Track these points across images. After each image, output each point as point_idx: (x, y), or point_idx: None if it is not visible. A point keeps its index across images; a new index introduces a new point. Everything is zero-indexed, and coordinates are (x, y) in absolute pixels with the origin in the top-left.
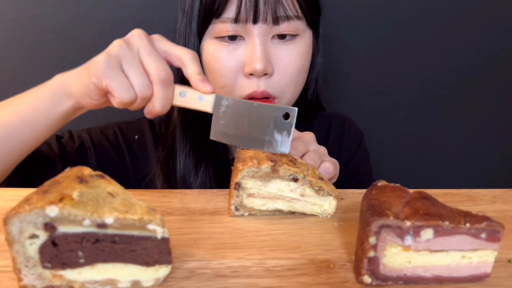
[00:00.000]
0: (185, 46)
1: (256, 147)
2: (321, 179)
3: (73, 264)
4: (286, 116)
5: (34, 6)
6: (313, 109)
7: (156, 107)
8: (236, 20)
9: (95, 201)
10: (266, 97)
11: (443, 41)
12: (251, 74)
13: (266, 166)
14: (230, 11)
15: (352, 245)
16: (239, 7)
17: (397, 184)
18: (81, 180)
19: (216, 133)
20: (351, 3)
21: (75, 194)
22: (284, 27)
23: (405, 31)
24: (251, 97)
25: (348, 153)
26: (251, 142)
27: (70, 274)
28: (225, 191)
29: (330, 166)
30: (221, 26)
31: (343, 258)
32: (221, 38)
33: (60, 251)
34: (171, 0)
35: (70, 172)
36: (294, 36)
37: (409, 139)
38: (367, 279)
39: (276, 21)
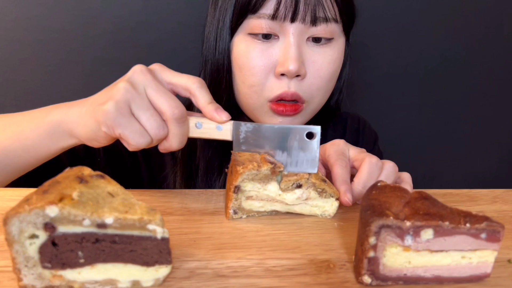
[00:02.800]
0: (216, 41)
1: (287, 170)
2: (324, 181)
3: (73, 264)
4: (309, 135)
5: (34, 6)
6: (331, 116)
7: (173, 145)
8: (274, 16)
9: (95, 201)
10: (295, 100)
11: (444, 41)
12: (283, 75)
13: (266, 168)
14: (269, 7)
15: (352, 245)
16: (278, 3)
17: (397, 184)
18: (81, 180)
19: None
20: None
21: (75, 194)
22: (320, 29)
23: (405, 31)
24: (280, 98)
25: None
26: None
27: (70, 274)
28: (225, 191)
29: (392, 165)
30: (257, 22)
31: (343, 258)
32: (254, 35)
33: (60, 251)
34: (171, 0)
35: (70, 172)
36: (329, 40)
37: (409, 139)
38: (367, 279)
39: (314, 21)
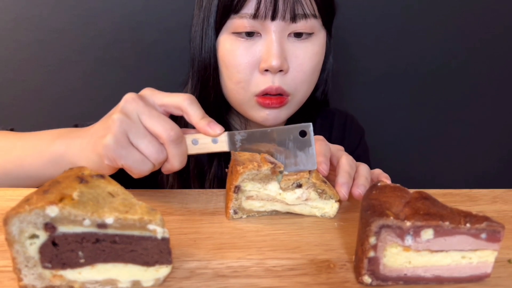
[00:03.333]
0: (202, 41)
1: (288, 170)
2: (324, 182)
3: (73, 264)
4: (302, 133)
5: (34, 6)
6: (318, 108)
7: (175, 165)
8: (255, 16)
9: (95, 201)
10: (280, 94)
11: (444, 41)
12: (266, 70)
13: (266, 168)
14: (250, 7)
15: (352, 245)
16: (258, 3)
17: (397, 184)
18: (81, 180)
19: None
20: (352, 2)
21: (75, 194)
22: (301, 25)
23: (405, 31)
24: (266, 93)
25: (349, 149)
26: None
27: (70, 274)
28: (225, 191)
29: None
30: (239, 22)
31: (343, 258)
32: (238, 33)
33: (60, 251)
34: (171, 0)
35: (70, 172)
36: (309, 34)
37: (409, 139)
38: (367, 279)
39: (294, 18)
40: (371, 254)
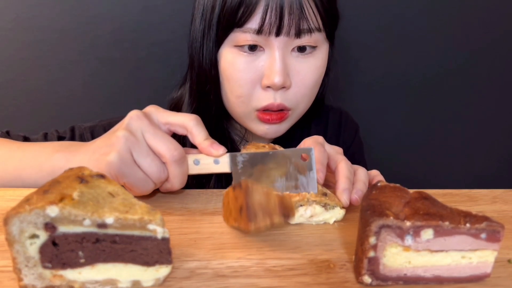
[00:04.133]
0: (201, 52)
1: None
2: (325, 194)
3: (74, 264)
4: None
5: (34, 6)
6: (316, 110)
7: (175, 185)
8: (259, 31)
9: (95, 201)
10: (281, 109)
11: (444, 41)
12: (269, 87)
13: (278, 221)
14: (254, 22)
15: (352, 245)
16: (263, 19)
17: (397, 184)
18: (82, 180)
19: None
20: (351, 2)
21: (75, 194)
22: (305, 40)
23: (405, 31)
24: (266, 109)
25: (345, 145)
26: (280, 188)
27: (71, 274)
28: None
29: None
30: (242, 36)
31: (343, 258)
32: (240, 47)
33: (61, 251)
34: (171, 0)
35: (70, 172)
36: (313, 48)
37: (409, 139)
38: (367, 279)
39: (298, 34)
40: (371, 254)
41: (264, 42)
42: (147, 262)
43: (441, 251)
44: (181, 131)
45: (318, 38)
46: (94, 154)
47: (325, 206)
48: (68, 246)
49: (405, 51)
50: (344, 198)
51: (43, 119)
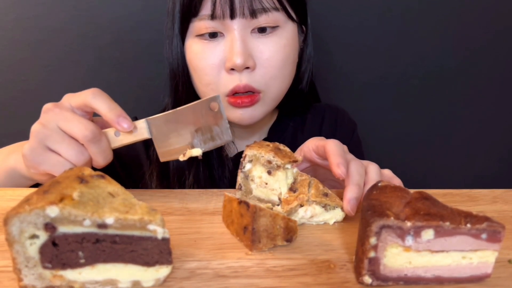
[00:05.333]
0: (170, 47)
1: (207, 148)
2: (326, 194)
3: (74, 264)
4: (213, 106)
5: (34, 6)
6: (308, 101)
7: (99, 162)
8: (212, 16)
9: (95, 201)
10: (250, 91)
11: (444, 40)
12: (233, 70)
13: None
14: (207, 8)
15: (352, 246)
16: (214, 3)
17: (398, 185)
18: (82, 180)
19: (163, 155)
20: (351, 2)
21: (75, 194)
22: (262, 20)
23: (406, 31)
24: (235, 92)
25: None
26: (199, 145)
27: (71, 274)
28: (225, 191)
29: (376, 167)
30: (200, 24)
31: (343, 258)
32: (201, 36)
33: (61, 251)
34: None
35: (70, 172)
36: (274, 28)
37: (409, 139)
38: (367, 279)
39: (253, 14)
40: (372, 254)
41: (223, 27)
42: (147, 262)
43: (442, 251)
44: (89, 110)
45: (277, 18)
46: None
47: (325, 206)
48: (68, 246)
49: (405, 51)
50: (349, 209)
51: None
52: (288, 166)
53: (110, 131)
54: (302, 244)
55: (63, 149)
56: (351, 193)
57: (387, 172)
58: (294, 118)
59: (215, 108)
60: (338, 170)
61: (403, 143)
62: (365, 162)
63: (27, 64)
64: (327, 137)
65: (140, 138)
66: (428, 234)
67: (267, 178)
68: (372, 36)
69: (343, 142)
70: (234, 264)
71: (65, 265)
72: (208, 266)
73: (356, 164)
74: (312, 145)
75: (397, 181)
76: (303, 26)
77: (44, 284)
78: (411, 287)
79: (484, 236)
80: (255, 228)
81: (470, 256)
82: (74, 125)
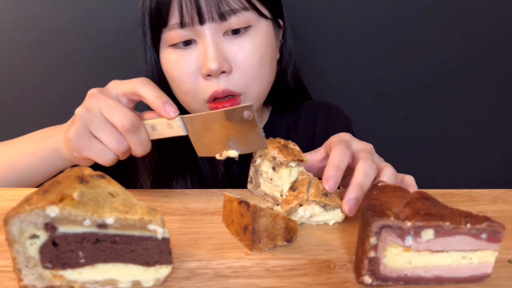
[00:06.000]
0: (145, 59)
1: (242, 151)
2: (325, 195)
3: (74, 264)
4: (247, 114)
5: (34, 6)
6: (297, 96)
7: (137, 152)
8: (182, 24)
9: (95, 201)
10: (229, 95)
11: (444, 41)
12: (209, 75)
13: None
14: (175, 17)
15: (352, 246)
16: (181, 11)
17: (398, 184)
18: (82, 180)
19: (201, 151)
20: (351, 2)
21: (75, 194)
22: (233, 22)
23: (405, 31)
24: (214, 97)
25: None
26: (234, 146)
27: (71, 274)
28: (225, 191)
29: (392, 171)
30: (171, 34)
31: (343, 258)
32: (175, 45)
33: (61, 251)
34: None
35: (70, 172)
36: (247, 28)
37: (409, 139)
38: (367, 279)
39: (222, 17)
40: (372, 254)
41: (194, 34)
42: (147, 262)
43: (442, 251)
44: (136, 98)
45: (248, 17)
46: (63, 134)
47: (324, 206)
48: (68, 246)
49: (406, 51)
50: (346, 211)
51: (43, 118)
52: (293, 164)
53: (147, 125)
54: (302, 244)
55: (104, 136)
56: (350, 193)
57: (408, 179)
58: (287, 117)
59: (249, 117)
60: (326, 185)
61: (403, 143)
62: (382, 164)
63: (27, 64)
64: (321, 135)
65: (176, 134)
66: (428, 234)
67: (272, 174)
68: (372, 36)
69: None
70: (234, 264)
71: (65, 265)
72: (208, 266)
73: (364, 164)
74: (328, 144)
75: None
76: (281, 21)
77: (44, 284)
78: (411, 287)
79: (484, 236)
80: (255, 228)
81: (470, 256)
82: (116, 114)
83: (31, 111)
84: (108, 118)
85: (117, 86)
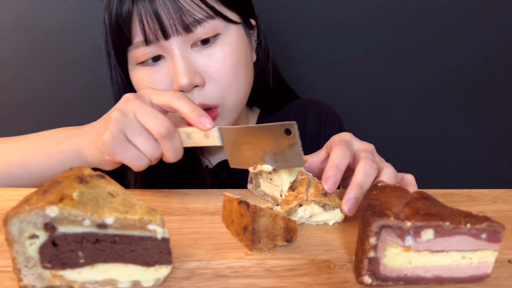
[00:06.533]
0: (111, 80)
1: (278, 166)
2: (325, 195)
3: (73, 264)
4: (287, 131)
5: (34, 6)
6: (280, 95)
7: (170, 159)
8: (146, 41)
9: (95, 201)
10: (206, 109)
11: (443, 41)
12: (182, 91)
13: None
14: (138, 35)
15: (352, 246)
16: (143, 28)
17: (398, 184)
18: (81, 180)
19: (234, 163)
20: (350, 3)
21: (75, 194)
22: (200, 32)
23: (405, 31)
24: None
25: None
26: (270, 161)
27: (70, 274)
28: (225, 191)
29: (392, 171)
30: (137, 52)
31: (343, 258)
32: (143, 63)
33: (60, 251)
34: None
35: (70, 172)
36: (215, 37)
37: (409, 139)
38: (367, 279)
39: (187, 29)
40: (372, 254)
41: (161, 50)
42: (147, 262)
43: (442, 251)
44: (169, 110)
45: (215, 25)
46: (94, 135)
47: (324, 206)
48: (68, 246)
49: (406, 51)
50: (345, 210)
51: (43, 119)
52: None
53: (182, 133)
54: (302, 244)
55: (140, 142)
56: (350, 192)
57: (408, 177)
58: (276, 119)
59: (291, 134)
60: (325, 185)
61: (403, 143)
62: (382, 164)
63: (27, 64)
64: (313, 136)
65: (212, 144)
66: (428, 234)
67: (272, 173)
68: (371, 36)
69: None
70: (234, 264)
71: (65, 265)
72: (208, 266)
73: (365, 164)
74: (329, 144)
75: (414, 189)
76: (253, 20)
77: (44, 284)
78: (411, 287)
79: (484, 236)
80: (255, 228)
81: (470, 256)
82: (152, 120)
83: (31, 111)
84: (144, 124)
85: (151, 94)
